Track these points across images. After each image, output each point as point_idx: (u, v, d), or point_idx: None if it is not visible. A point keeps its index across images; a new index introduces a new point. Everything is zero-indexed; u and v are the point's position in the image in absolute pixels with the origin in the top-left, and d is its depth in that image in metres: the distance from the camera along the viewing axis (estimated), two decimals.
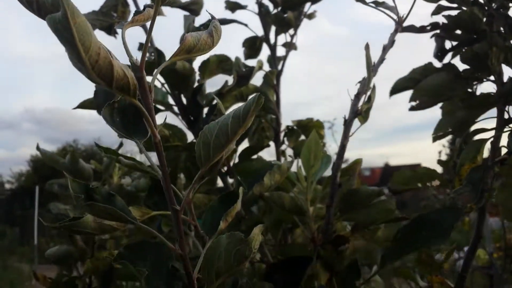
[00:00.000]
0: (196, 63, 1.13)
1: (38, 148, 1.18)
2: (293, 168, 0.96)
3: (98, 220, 0.60)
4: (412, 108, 1.00)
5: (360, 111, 0.79)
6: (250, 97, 0.50)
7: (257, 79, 1.26)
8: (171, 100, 1.14)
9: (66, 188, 1.32)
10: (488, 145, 0.98)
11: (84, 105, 1.06)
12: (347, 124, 0.80)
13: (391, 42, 0.84)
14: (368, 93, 0.80)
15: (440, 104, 1.08)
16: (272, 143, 1.26)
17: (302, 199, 0.85)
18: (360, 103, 0.79)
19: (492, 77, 0.96)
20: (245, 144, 1.20)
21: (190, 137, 1.13)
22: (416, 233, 0.81)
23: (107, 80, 0.40)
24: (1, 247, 10.18)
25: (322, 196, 0.96)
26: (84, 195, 0.52)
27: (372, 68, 0.79)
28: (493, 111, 1.00)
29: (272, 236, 1.10)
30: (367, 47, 0.77)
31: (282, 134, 1.23)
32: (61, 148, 15.67)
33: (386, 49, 0.83)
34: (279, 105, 1.20)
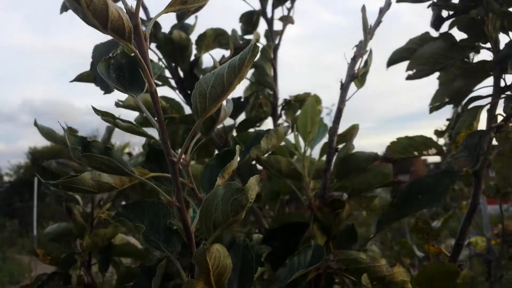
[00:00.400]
0: (193, 37, 1.13)
1: (35, 123, 1.18)
2: (292, 140, 0.96)
3: (95, 177, 0.60)
4: (409, 77, 1.00)
5: (356, 75, 0.79)
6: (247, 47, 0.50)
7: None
8: (168, 74, 1.14)
9: (64, 166, 1.32)
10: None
11: (81, 78, 1.06)
12: (344, 87, 0.80)
13: (388, 4, 0.84)
14: (365, 57, 0.80)
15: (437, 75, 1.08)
16: (270, 119, 1.26)
17: (299, 166, 0.85)
18: (357, 66, 0.80)
19: (488, 45, 0.96)
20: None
21: (187, 111, 1.13)
22: (412, 197, 0.81)
23: (102, 20, 0.40)
24: (1, 239, 10.21)
25: (318, 168, 0.97)
26: (81, 147, 0.52)
27: (368, 31, 0.79)
28: (490, 81, 1.01)
29: (270, 208, 1.11)
30: (363, 9, 0.77)
31: (279, 109, 1.23)
32: None
33: (382, 11, 0.83)
34: (276, 79, 1.20)
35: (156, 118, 0.52)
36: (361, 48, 0.80)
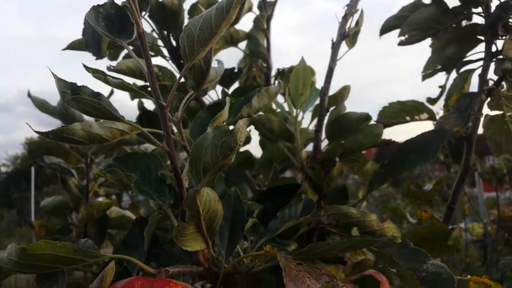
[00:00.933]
0: (186, 7, 1.13)
1: (29, 94, 1.18)
2: (286, 108, 0.96)
3: (86, 128, 0.60)
4: (401, 43, 1.00)
5: (347, 33, 0.79)
6: None
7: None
8: (160, 44, 1.14)
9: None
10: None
11: (73, 46, 1.06)
12: (335, 46, 0.80)
13: None
14: (356, 17, 0.80)
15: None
16: None
17: (292, 129, 0.86)
18: (348, 25, 0.80)
19: (480, 9, 0.97)
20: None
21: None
22: (403, 157, 0.82)
23: None
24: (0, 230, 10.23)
25: (311, 137, 0.97)
26: (70, 91, 0.52)
27: None
28: (481, 47, 1.01)
29: (263, 176, 1.12)
30: None
31: (273, 79, 1.23)
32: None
33: None
34: (269, 49, 1.20)
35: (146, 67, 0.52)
36: (352, 7, 0.80)
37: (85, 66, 0.66)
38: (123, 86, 0.67)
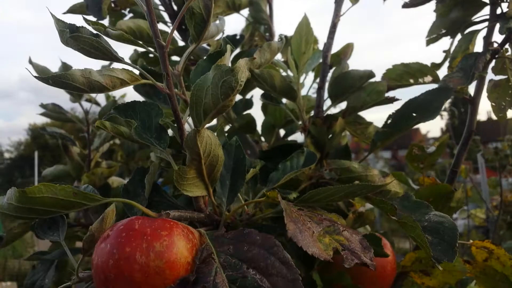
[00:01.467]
0: None
1: (30, 61, 1.17)
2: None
3: (85, 74, 0.60)
4: (405, 5, 0.99)
5: None
6: None
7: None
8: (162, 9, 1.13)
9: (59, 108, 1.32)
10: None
11: (74, 9, 1.05)
12: (338, 1, 0.79)
13: None
14: None
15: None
16: None
17: (295, 87, 0.85)
18: None
19: None
20: None
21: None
22: (407, 115, 0.81)
23: None
24: None
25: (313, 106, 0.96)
26: (69, 30, 0.52)
27: None
28: (486, 11, 0.99)
29: (265, 141, 1.11)
30: None
31: None
32: None
33: None
34: (272, 15, 1.19)
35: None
36: None
37: (85, 19, 0.65)
38: (123, 38, 0.66)
